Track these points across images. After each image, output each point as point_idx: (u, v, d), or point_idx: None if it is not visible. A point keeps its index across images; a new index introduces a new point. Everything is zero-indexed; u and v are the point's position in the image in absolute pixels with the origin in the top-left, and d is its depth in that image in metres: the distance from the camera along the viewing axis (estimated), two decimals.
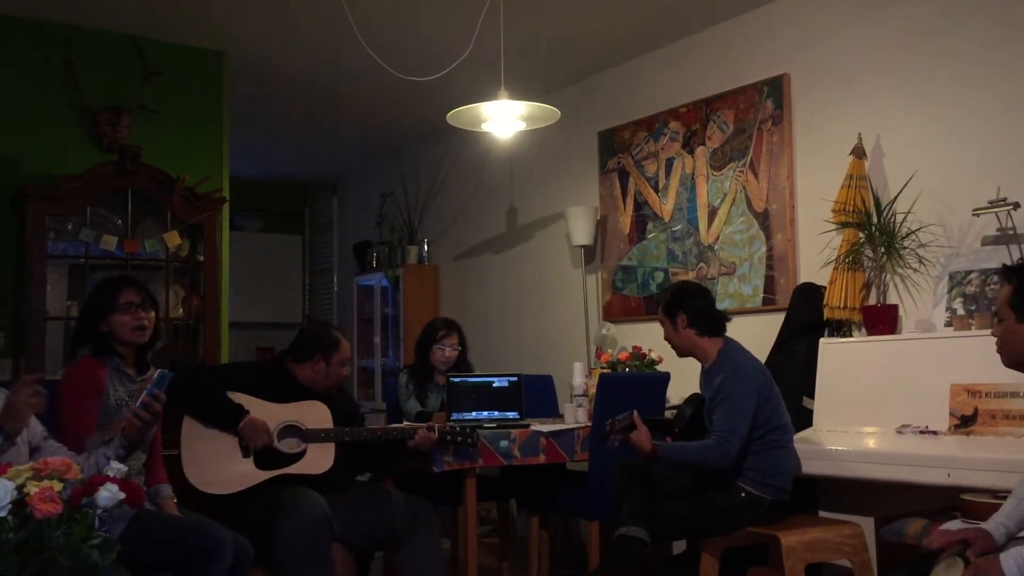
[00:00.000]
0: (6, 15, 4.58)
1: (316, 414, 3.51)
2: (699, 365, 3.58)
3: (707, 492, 3.38)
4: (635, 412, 3.38)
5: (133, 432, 2.64)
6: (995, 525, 2.36)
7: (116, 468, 2.13)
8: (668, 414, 4.13)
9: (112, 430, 2.78)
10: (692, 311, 3.51)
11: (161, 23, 4.75)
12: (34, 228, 4.31)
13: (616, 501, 3.39)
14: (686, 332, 3.52)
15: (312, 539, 3.14)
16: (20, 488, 1.84)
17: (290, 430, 3.44)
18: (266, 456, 3.38)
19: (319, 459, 3.43)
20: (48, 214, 4.36)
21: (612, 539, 3.36)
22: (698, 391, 3.65)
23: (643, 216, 5.22)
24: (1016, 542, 2.31)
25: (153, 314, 3.10)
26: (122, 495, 1.96)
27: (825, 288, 4.04)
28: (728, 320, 3.58)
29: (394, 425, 4.16)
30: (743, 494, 3.34)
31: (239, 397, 3.41)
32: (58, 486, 1.86)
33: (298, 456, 3.42)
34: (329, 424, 3.50)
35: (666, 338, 3.63)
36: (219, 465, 3.31)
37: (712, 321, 3.52)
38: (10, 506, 1.81)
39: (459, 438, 3.61)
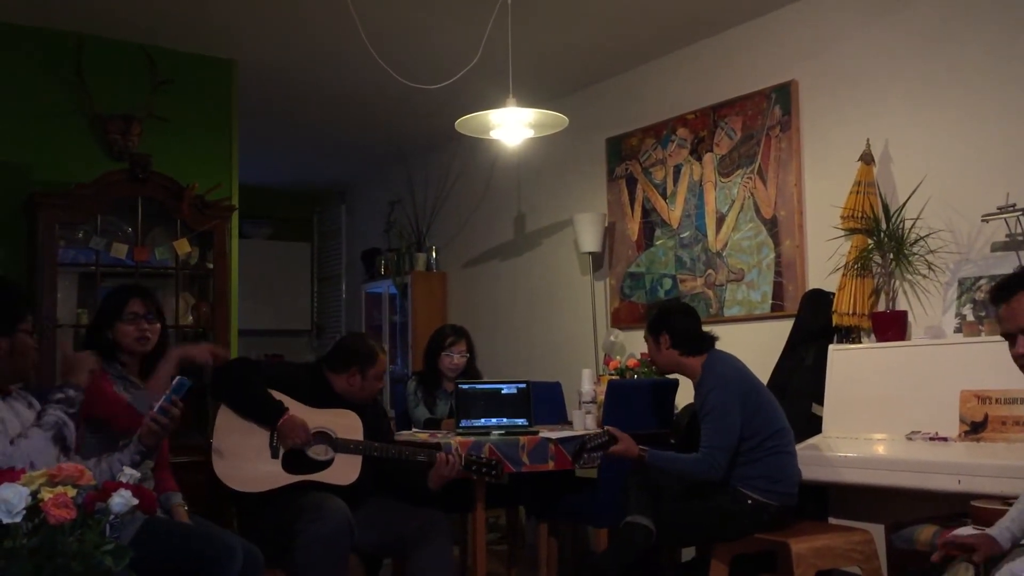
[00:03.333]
0: (17, 24, 4.61)
1: (348, 423, 3.52)
2: None
3: (713, 497, 3.39)
4: (611, 428, 3.44)
5: (152, 437, 2.66)
6: (1000, 530, 2.36)
7: (129, 474, 2.14)
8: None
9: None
10: (675, 332, 3.54)
11: (171, 32, 4.78)
12: (45, 236, 4.33)
13: (623, 498, 3.43)
14: (668, 352, 3.56)
15: (334, 544, 3.16)
16: (34, 494, 1.85)
17: (321, 436, 3.46)
18: (294, 459, 3.41)
19: (346, 470, 3.44)
20: (59, 222, 4.38)
21: (618, 526, 3.40)
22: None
23: (651, 223, 5.22)
24: (1019, 549, 2.31)
25: (158, 326, 3.13)
26: (135, 501, 1.97)
27: (834, 294, 4.04)
28: (715, 339, 3.59)
29: (407, 435, 4.15)
30: (749, 501, 3.34)
31: (277, 396, 3.44)
32: (72, 492, 1.87)
33: (326, 464, 3.43)
34: (359, 435, 3.51)
35: (649, 356, 3.67)
36: (247, 462, 3.34)
37: (695, 341, 3.54)
38: (24, 512, 1.82)
39: (483, 469, 3.56)
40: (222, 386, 3.46)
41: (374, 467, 3.57)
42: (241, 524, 3.40)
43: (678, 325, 3.55)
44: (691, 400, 4.02)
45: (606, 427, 3.47)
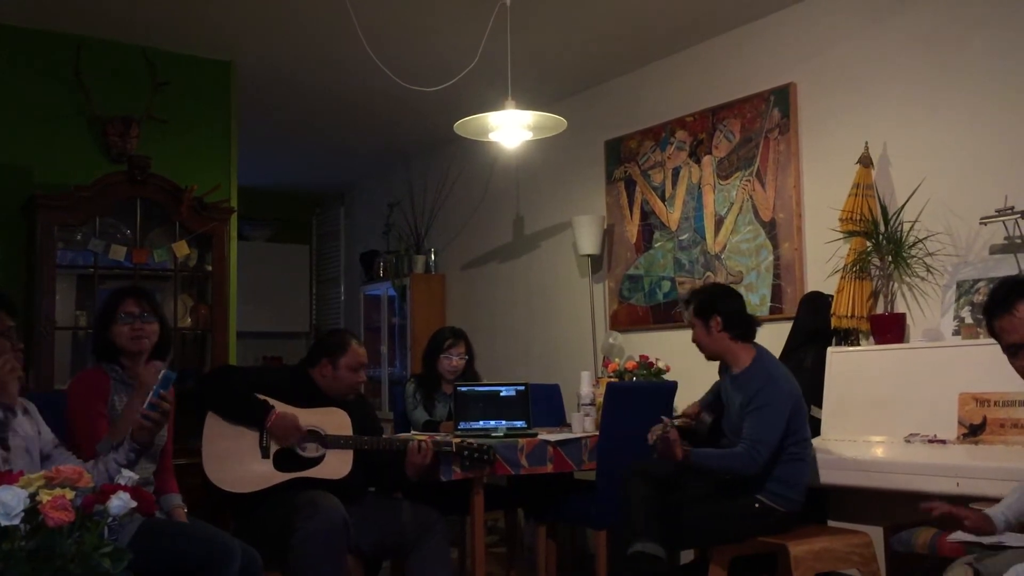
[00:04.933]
0: (16, 26, 4.61)
1: (336, 420, 3.54)
2: (708, 374, 3.57)
3: (720, 501, 3.37)
4: (667, 419, 3.34)
5: (143, 434, 2.65)
6: (996, 512, 2.38)
7: (127, 476, 2.14)
8: (676, 423, 4.13)
9: (119, 431, 2.79)
10: (727, 314, 3.46)
11: (170, 33, 4.78)
12: (43, 238, 4.33)
13: (626, 509, 3.37)
14: (720, 336, 3.47)
15: (330, 541, 3.16)
16: (32, 496, 1.85)
17: (310, 435, 3.48)
18: (285, 458, 3.41)
19: (338, 465, 3.46)
20: (57, 224, 4.37)
21: (626, 554, 3.29)
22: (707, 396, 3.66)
23: (650, 225, 5.22)
24: (1018, 552, 2.32)
25: (156, 326, 3.11)
26: (133, 503, 1.97)
27: (832, 297, 4.04)
28: (759, 325, 3.55)
29: (405, 436, 4.16)
30: (756, 504, 3.33)
31: (262, 397, 3.45)
32: (70, 494, 1.87)
33: (317, 460, 3.45)
34: (349, 431, 3.53)
35: (695, 340, 3.56)
36: (239, 464, 3.36)
37: (746, 325, 3.49)
38: (22, 514, 1.82)
39: (476, 454, 3.59)
40: (207, 393, 3.47)
41: (367, 463, 3.57)
42: (237, 526, 3.41)
43: (730, 307, 3.47)
44: (691, 401, 4.02)
45: (663, 418, 3.36)
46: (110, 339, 3.06)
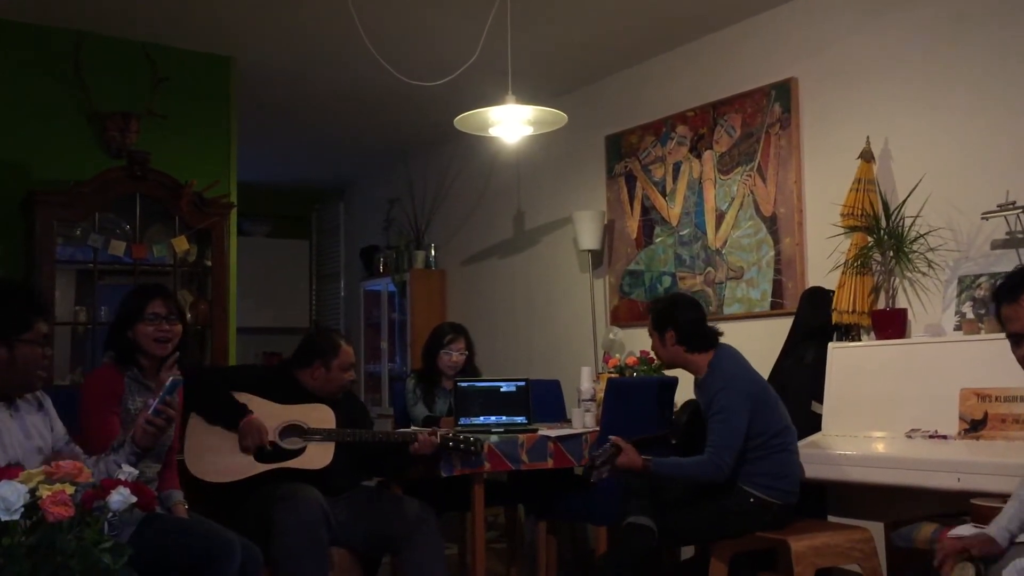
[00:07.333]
0: (16, 21, 4.59)
1: (320, 416, 3.56)
2: None
3: (715, 499, 3.37)
4: (616, 438, 3.37)
5: (146, 439, 2.64)
6: (998, 529, 2.38)
7: (128, 471, 2.13)
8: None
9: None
10: (681, 328, 3.49)
11: (170, 29, 4.77)
12: (43, 233, 4.32)
13: (623, 499, 3.41)
14: (674, 348, 3.51)
15: (309, 532, 3.18)
16: (32, 491, 1.84)
17: (292, 429, 3.51)
18: (266, 451, 3.43)
19: (318, 456, 3.48)
20: (57, 219, 4.37)
21: (620, 527, 3.37)
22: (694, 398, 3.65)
23: (650, 220, 5.21)
24: (1018, 548, 2.31)
25: (179, 327, 3.10)
26: (133, 499, 1.97)
27: (834, 292, 4.04)
28: (720, 335, 3.55)
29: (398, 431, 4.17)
30: (752, 499, 3.33)
31: (245, 397, 3.47)
32: (70, 489, 1.86)
33: (297, 452, 3.47)
34: (332, 426, 3.55)
35: (652, 350, 3.64)
36: (218, 456, 3.38)
37: (701, 339, 3.50)
38: (22, 509, 1.81)
39: (462, 446, 3.59)
40: (189, 394, 3.46)
41: (355, 456, 3.59)
42: (224, 520, 3.42)
43: (684, 320, 3.49)
44: (690, 396, 4.01)
45: (610, 437, 3.39)
46: (131, 338, 3.04)
